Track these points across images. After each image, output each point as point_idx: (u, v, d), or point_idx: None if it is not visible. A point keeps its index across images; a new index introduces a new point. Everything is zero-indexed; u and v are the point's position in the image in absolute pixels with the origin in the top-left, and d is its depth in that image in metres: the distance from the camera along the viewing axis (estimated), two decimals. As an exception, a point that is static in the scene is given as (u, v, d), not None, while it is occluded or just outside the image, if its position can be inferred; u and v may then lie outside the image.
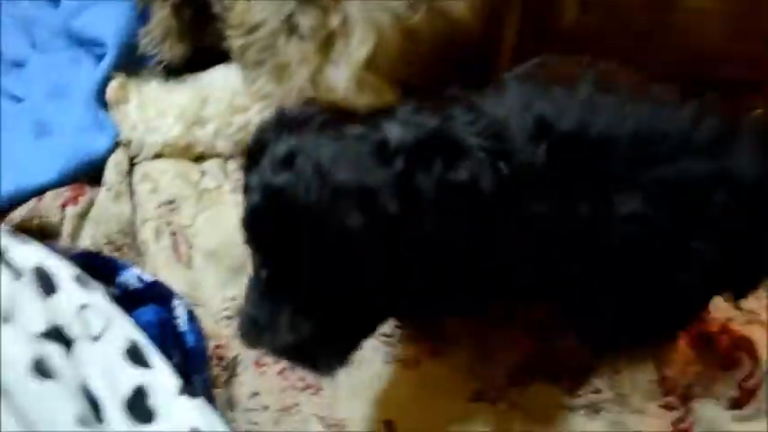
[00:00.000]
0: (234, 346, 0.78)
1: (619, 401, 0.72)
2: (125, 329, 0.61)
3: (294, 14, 0.79)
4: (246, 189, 0.56)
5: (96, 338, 0.58)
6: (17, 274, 0.58)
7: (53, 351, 0.54)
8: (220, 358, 0.78)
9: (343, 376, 0.73)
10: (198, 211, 0.88)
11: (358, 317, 0.57)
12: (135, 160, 0.94)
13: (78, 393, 0.53)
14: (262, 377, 0.75)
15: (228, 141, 0.93)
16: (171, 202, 0.89)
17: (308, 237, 0.50)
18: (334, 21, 0.77)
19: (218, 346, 0.78)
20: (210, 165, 0.93)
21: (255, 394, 0.74)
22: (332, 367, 0.58)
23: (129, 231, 0.88)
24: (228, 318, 0.80)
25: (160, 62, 0.95)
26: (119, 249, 0.86)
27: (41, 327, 0.55)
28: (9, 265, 0.58)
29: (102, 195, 0.89)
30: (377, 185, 0.50)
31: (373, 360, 0.77)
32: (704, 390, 0.72)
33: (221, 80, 0.93)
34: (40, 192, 0.89)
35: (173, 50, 0.93)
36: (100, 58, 0.96)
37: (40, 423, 0.50)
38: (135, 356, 0.60)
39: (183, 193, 0.89)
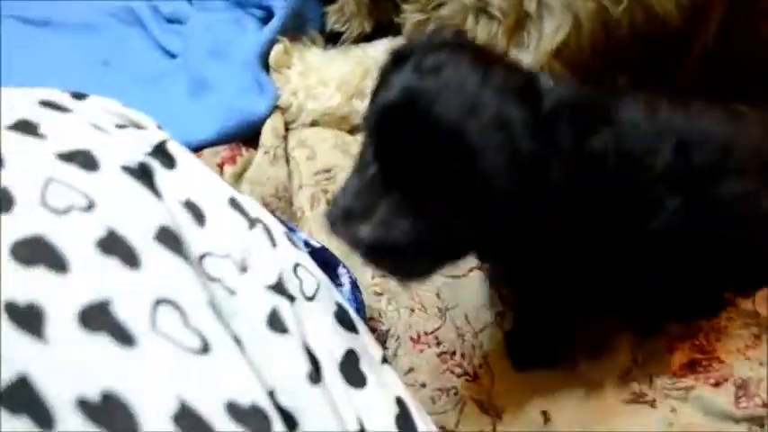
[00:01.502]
0: (385, 320, 0.78)
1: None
2: (333, 293, 0.61)
3: (486, -7, 0.77)
4: (382, 85, 0.55)
5: (310, 299, 0.58)
6: (250, 223, 0.58)
7: (283, 305, 0.54)
8: (372, 330, 0.77)
9: (500, 370, 0.74)
10: (354, 183, 0.88)
11: (453, 232, 0.55)
12: (291, 126, 0.94)
13: (304, 351, 0.53)
14: (419, 356, 0.75)
15: (385, 117, 0.92)
16: (328, 170, 0.88)
17: (435, 143, 0.50)
18: (531, 4, 0.74)
19: (370, 318, 0.78)
20: (367, 138, 0.92)
21: (411, 370, 0.74)
22: (412, 275, 0.57)
23: (284, 195, 0.88)
24: (378, 294, 0.80)
25: (335, 36, 0.94)
26: (273, 212, 0.85)
27: (273, 279, 0.55)
28: (243, 213, 0.58)
29: (260, 157, 0.89)
30: (517, 118, 0.50)
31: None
32: None
33: (385, 54, 0.91)
34: (197, 149, 0.89)
35: (361, 26, 0.92)
36: (260, 21, 0.96)
37: (272, 378, 0.50)
38: (344, 321, 0.59)
39: (341, 163, 0.89)
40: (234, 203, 0.59)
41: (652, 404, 0.71)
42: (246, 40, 0.95)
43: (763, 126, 0.68)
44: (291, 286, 0.57)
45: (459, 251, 0.59)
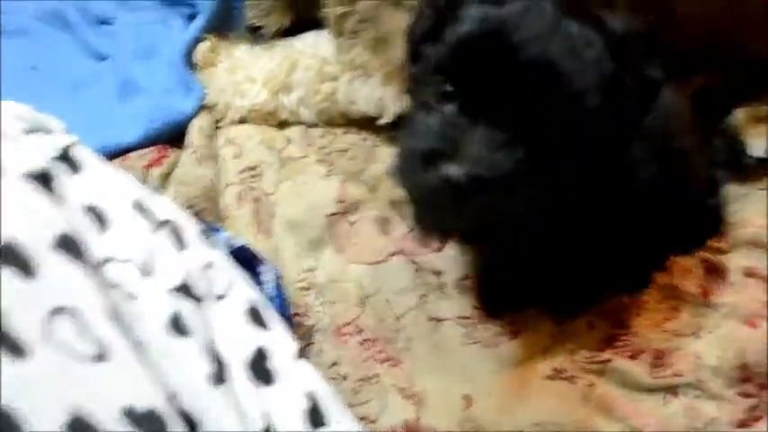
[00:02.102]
0: (311, 315, 0.79)
1: (697, 385, 0.71)
2: (246, 290, 0.62)
3: (399, -14, 0.78)
4: (449, 17, 0.55)
5: (220, 298, 0.59)
6: (155, 226, 0.58)
7: (187, 307, 0.55)
8: (298, 326, 0.78)
9: (423, 352, 0.76)
10: (281, 179, 0.88)
11: (546, 161, 0.55)
12: (219, 124, 0.94)
13: (208, 352, 0.54)
14: (342, 347, 0.76)
15: (313, 110, 0.92)
16: (254, 167, 0.89)
17: (523, 69, 0.51)
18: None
19: (295, 314, 0.79)
20: (295, 133, 0.93)
21: (335, 363, 0.75)
22: (510, 214, 0.55)
23: (211, 195, 0.88)
24: (305, 288, 0.81)
25: (256, 30, 0.94)
26: (199, 213, 0.86)
27: (177, 281, 0.56)
28: (148, 216, 0.59)
29: (186, 157, 0.90)
30: (597, 40, 0.52)
31: (452, 341, 0.77)
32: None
33: (311, 47, 0.92)
34: (125, 152, 0.89)
35: (279, 21, 0.93)
36: (189, 19, 0.96)
37: (172, 380, 0.51)
38: (256, 318, 0.60)
39: (267, 160, 0.90)
40: (139, 207, 0.59)
41: (570, 380, 0.73)
42: (172, 40, 0.95)
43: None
44: (200, 287, 0.59)
45: (554, 185, 0.56)
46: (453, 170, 0.52)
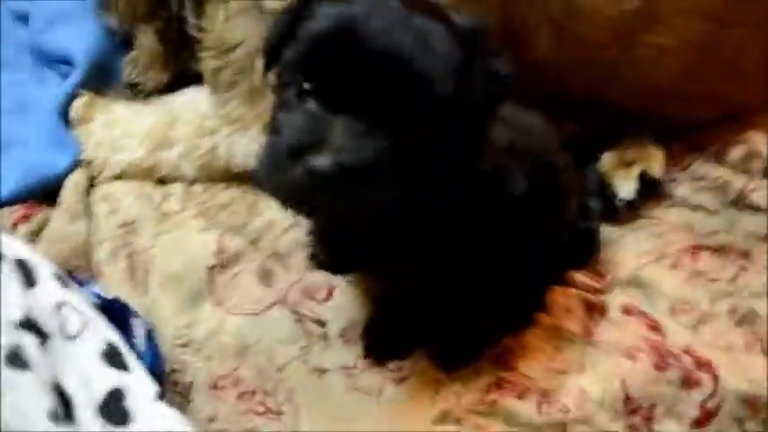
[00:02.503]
0: (189, 372, 0.75)
1: (585, 421, 0.70)
2: (103, 332, 0.58)
3: (272, 35, 0.79)
4: (303, 18, 0.56)
5: (72, 338, 0.55)
6: None
7: (29, 342, 0.51)
8: (175, 383, 0.74)
9: (305, 403, 0.72)
10: (158, 234, 0.85)
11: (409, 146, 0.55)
12: (96, 180, 0.91)
13: (50, 389, 0.49)
14: (218, 401, 0.71)
15: (193, 165, 0.90)
16: (130, 223, 0.86)
17: (377, 61, 0.52)
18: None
19: (173, 371, 0.74)
20: (175, 189, 0.91)
21: (212, 419, 0.70)
22: (377, 202, 0.54)
23: (84, 253, 0.84)
24: (184, 345, 0.77)
25: (134, 86, 0.93)
26: (72, 270, 0.81)
27: (18, 315, 0.52)
28: None
29: (57, 215, 0.86)
30: (442, 30, 0.54)
31: (335, 391, 0.74)
32: (666, 410, 0.71)
33: (190, 103, 0.91)
34: (-1, 207, 0.85)
35: (157, 77, 0.92)
36: (66, 77, 0.94)
37: (9, 414, 0.46)
38: (112, 359, 0.56)
39: (144, 215, 0.86)
40: None
41: (458, 422, 0.70)
42: (47, 96, 0.93)
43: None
44: (48, 324, 0.54)
45: (418, 176, 0.57)
46: (320, 161, 0.51)
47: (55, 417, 0.49)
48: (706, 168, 0.88)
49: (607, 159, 0.88)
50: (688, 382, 0.73)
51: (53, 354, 0.53)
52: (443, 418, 0.71)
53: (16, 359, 0.50)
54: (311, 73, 0.55)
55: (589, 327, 0.79)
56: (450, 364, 0.76)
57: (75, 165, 0.90)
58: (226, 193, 0.90)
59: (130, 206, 0.87)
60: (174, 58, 0.92)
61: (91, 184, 0.91)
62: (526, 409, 0.71)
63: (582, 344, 0.78)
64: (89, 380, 0.54)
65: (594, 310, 0.80)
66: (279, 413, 0.71)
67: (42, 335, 0.53)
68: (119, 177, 0.91)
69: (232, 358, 0.75)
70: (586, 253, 0.82)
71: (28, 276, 0.56)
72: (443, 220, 0.63)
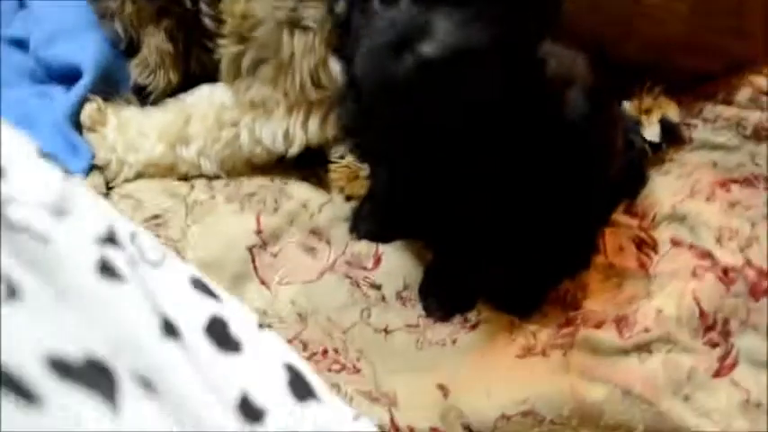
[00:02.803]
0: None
1: (668, 339, 0.69)
2: (184, 265, 0.53)
3: (298, 7, 0.79)
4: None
5: (156, 265, 0.50)
6: (65, 174, 0.49)
7: (118, 256, 0.45)
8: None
9: (379, 358, 0.68)
10: (189, 224, 0.81)
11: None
12: (113, 183, 0.86)
13: (152, 307, 0.44)
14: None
15: (214, 160, 0.88)
16: (157, 216, 0.81)
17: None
18: (342, 9, 0.77)
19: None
20: (198, 182, 0.87)
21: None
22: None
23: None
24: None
25: (142, 90, 0.91)
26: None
27: (102, 230, 0.46)
28: (56, 166, 0.49)
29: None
30: None
31: (406, 347, 0.70)
32: (741, 323, 0.71)
33: (205, 98, 0.89)
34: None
35: (168, 77, 0.90)
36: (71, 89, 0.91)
37: (116, 332, 0.40)
38: (203, 288, 0.51)
39: (172, 207, 0.82)
40: (45, 155, 0.50)
41: (543, 354, 0.68)
42: (54, 107, 0.89)
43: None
44: (129, 248, 0.49)
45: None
46: (429, 48, 0.50)
47: (167, 331, 0.43)
48: (719, 110, 0.91)
49: (626, 108, 0.90)
50: (756, 291, 0.72)
51: (143, 277, 0.48)
52: (527, 352, 0.68)
53: (108, 270, 0.44)
54: None
55: (644, 261, 0.79)
56: (516, 311, 0.74)
57: (90, 170, 0.86)
58: (251, 183, 0.87)
59: (155, 200, 0.83)
60: (185, 56, 0.91)
61: (108, 187, 0.86)
62: (607, 335, 0.69)
63: (641, 277, 0.77)
64: (186, 306, 0.48)
65: (645, 246, 0.80)
66: (356, 370, 0.67)
67: (128, 254, 0.48)
68: (137, 177, 0.87)
69: (294, 324, 0.70)
70: (636, 184, 0.82)
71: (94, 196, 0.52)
72: (506, 154, 0.63)
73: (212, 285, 0.53)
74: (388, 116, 0.61)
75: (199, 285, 0.52)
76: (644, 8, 0.85)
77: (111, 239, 0.47)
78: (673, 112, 0.91)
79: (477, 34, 0.51)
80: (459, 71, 0.51)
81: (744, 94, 0.92)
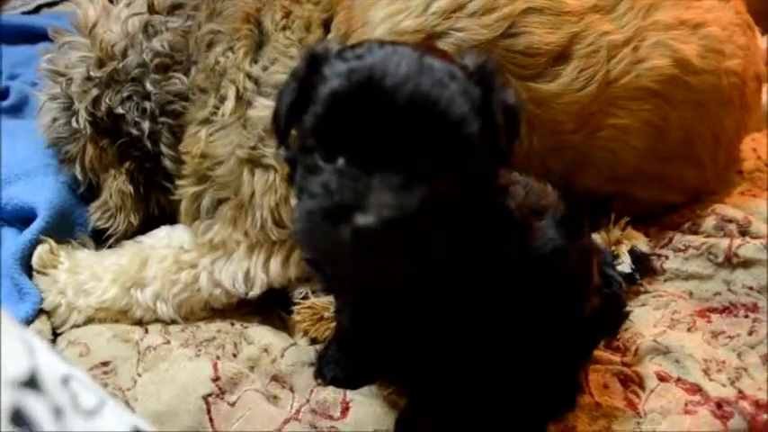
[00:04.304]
0: None
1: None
2: (128, 415, 0.46)
3: (258, 146, 0.79)
4: (314, 80, 0.54)
5: (90, 414, 0.43)
6: None
7: (38, 404, 0.39)
8: None
9: None
10: (140, 372, 0.74)
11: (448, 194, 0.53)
12: (61, 329, 0.81)
13: None
14: None
15: (171, 304, 0.83)
16: (106, 363, 0.75)
17: (404, 108, 0.51)
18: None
19: None
20: (154, 326, 0.82)
21: None
22: (426, 254, 0.52)
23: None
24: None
25: (101, 234, 0.88)
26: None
27: (20, 372, 0.41)
28: None
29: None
30: (457, 71, 0.54)
31: None
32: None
33: (163, 239, 0.86)
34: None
35: (128, 220, 0.87)
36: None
37: None
38: None
39: (122, 354, 0.76)
40: None
41: None
42: (3, 248, 0.85)
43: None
44: (58, 396, 0.44)
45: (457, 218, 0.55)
46: (364, 219, 0.49)
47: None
48: (687, 239, 0.90)
49: (595, 240, 0.89)
50: (756, 426, 0.67)
51: (70, 428, 0.42)
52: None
53: (20, 420, 0.39)
54: (337, 134, 0.53)
55: (631, 399, 0.74)
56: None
57: (36, 314, 0.80)
58: (210, 327, 0.82)
59: (105, 346, 0.77)
60: (145, 199, 0.89)
61: (55, 333, 0.80)
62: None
63: (631, 416, 0.72)
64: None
65: (631, 382, 0.75)
66: None
67: (52, 404, 0.42)
68: (88, 323, 0.81)
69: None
70: (616, 320, 0.78)
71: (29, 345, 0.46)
72: (473, 289, 0.60)
73: (155, 437, 0.47)
74: (331, 273, 0.59)
75: None
76: (600, 140, 0.87)
77: (30, 384, 0.42)
78: (642, 243, 0.90)
79: (413, 200, 0.50)
80: (395, 239, 0.49)
81: (709, 222, 0.92)
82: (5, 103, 1.12)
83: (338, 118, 0.53)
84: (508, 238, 0.62)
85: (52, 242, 0.85)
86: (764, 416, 0.68)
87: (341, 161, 0.52)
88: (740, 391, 0.72)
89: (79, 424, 0.43)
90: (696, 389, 0.74)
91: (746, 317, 0.82)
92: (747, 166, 1.03)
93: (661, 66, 0.86)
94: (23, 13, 1.44)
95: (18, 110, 1.12)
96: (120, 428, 0.46)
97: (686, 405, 0.70)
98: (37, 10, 1.45)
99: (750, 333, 0.80)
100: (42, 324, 0.79)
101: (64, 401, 0.44)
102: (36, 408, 0.40)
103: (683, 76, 0.87)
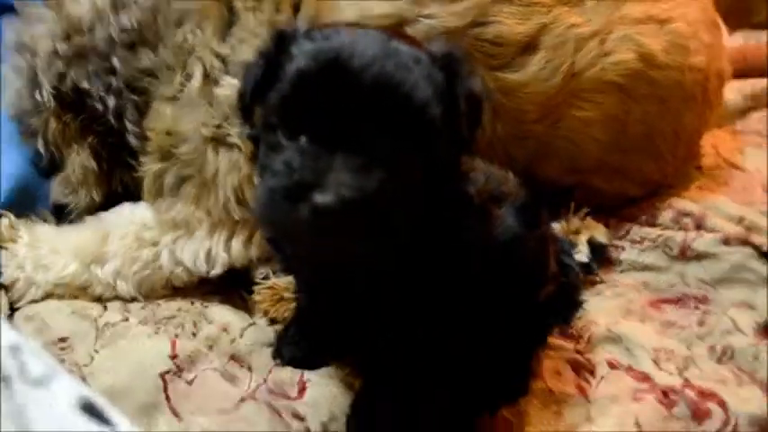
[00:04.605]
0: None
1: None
2: (77, 386, 0.46)
3: (223, 124, 0.79)
4: (281, 59, 0.55)
5: (37, 384, 0.44)
6: None
7: None
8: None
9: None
10: (98, 348, 0.74)
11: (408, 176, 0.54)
12: (18, 304, 0.80)
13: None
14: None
15: (131, 281, 0.83)
16: (63, 339, 0.75)
17: (368, 89, 0.51)
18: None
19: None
20: (113, 303, 0.81)
21: None
22: (381, 237, 0.52)
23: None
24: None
25: (62, 209, 0.87)
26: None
27: None
28: None
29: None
30: (424, 56, 0.55)
31: None
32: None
33: (126, 216, 0.86)
34: None
35: (90, 196, 0.86)
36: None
37: None
38: (94, 413, 0.45)
39: (80, 330, 0.76)
40: None
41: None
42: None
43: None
44: (7, 365, 0.44)
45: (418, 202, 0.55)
46: (323, 198, 0.49)
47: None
48: (644, 231, 0.92)
49: (555, 229, 0.90)
50: (699, 414, 0.70)
51: (14, 395, 0.42)
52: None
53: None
54: (300, 110, 0.53)
55: (582, 385, 0.76)
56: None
57: (-6, 288, 0.79)
58: (170, 305, 0.82)
59: (63, 322, 0.76)
60: (108, 175, 0.88)
61: (13, 308, 0.79)
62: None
63: (581, 403, 0.74)
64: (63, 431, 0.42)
65: (583, 369, 0.77)
66: None
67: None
68: (46, 298, 0.81)
69: (205, 460, 0.63)
70: (570, 308, 0.80)
71: None
72: (432, 274, 0.61)
73: (110, 412, 0.47)
74: (291, 252, 0.60)
75: (89, 409, 0.46)
76: (563, 131, 0.88)
77: None
78: (600, 234, 0.92)
79: (373, 181, 0.50)
80: (353, 219, 0.50)
81: (666, 215, 0.94)
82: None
83: (303, 97, 0.53)
84: (468, 223, 0.63)
85: (12, 216, 0.84)
86: (708, 404, 0.70)
87: (303, 140, 0.52)
88: (686, 380, 0.74)
89: (26, 392, 0.44)
90: (645, 377, 0.76)
91: (697, 308, 0.84)
92: (707, 162, 1.05)
93: (627, 60, 0.87)
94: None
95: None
96: (68, 399, 0.46)
97: (635, 392, 0.72)
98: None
99: (700, 324, 0.82)
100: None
101: (11, 370, 0.44)
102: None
103: (648, 70, 0.89)
